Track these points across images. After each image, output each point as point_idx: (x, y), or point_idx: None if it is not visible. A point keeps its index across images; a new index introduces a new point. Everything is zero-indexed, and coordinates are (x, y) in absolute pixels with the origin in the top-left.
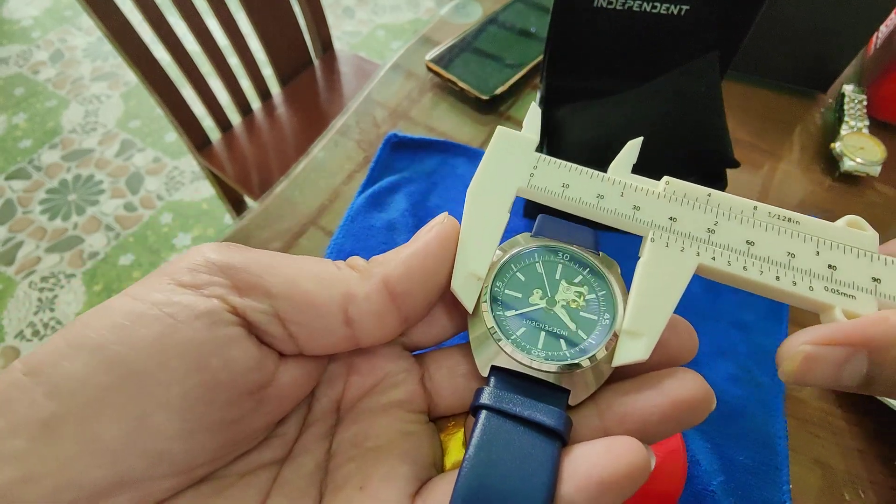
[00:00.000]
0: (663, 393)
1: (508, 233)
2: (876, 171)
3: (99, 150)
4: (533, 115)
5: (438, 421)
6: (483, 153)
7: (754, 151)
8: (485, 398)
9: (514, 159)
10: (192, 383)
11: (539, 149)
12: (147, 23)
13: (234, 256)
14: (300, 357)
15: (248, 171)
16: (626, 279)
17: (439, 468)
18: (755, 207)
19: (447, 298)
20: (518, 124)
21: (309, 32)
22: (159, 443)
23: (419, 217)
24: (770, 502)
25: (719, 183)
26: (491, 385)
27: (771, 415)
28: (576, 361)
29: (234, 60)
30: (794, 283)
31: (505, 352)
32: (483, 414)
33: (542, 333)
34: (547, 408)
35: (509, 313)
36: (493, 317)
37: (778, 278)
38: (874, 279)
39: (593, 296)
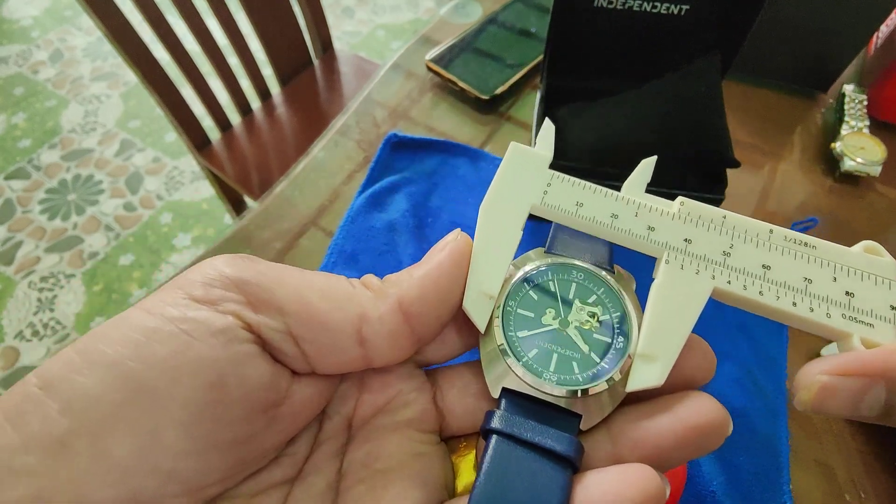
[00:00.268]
0: (677, 418)
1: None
2: (876, 171)
3: (99, 149)
4: (546, 132)
5: (450, 441)
6: (483, 153)
7: (754, 151)
8: (495, 422)
9: (527, 176)
10: (205, 401)
11: None
12: (147, 22)
13: (247, 271)
14: (312, 375)
15: (248, 171)
16: (643, 293)
17: (451, 491)
18: (771, 231)
19: (459, 315)
20: (518, 124)
21: (309, 32)
22: (171, 461)
23: (420, 217)
24: None
25: (719, 183)
26: (501, 407)
27: (773, 417)
28: (588, 387)
29: (233, 60)
30: (812, 310)
31: (516, 374)
32: (493, 439)
33: (555, 355)
34: (558, 434)
35: (521, 334)
36: (505, 337)
37: (794, 304)
38: (893, 307)
39: (607, 317)
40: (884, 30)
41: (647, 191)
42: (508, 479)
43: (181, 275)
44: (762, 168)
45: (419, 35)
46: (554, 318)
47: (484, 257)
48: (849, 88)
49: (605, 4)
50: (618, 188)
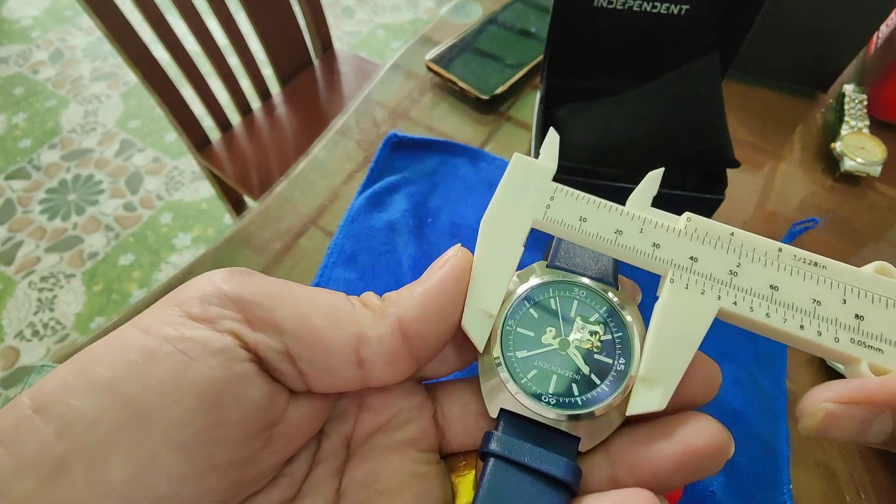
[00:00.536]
0: (676, 442)
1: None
2: (876, 171)
3: (99, 149)
4: (551, 142)
5: (449, 459)
6: (483, 153)
7: (755, 151)
8: (493, 445)
9: (529, 189)
10: (204, 423)
11: (538, 148)
12: (147, 22)
13: (245, 288)
14: (309, 394)
15: (248, 171)
16: (649, 306)
17: None
18: (780, 249)
19: (459, 331)
20: (518, 124)
21: (309, 32)
22: (169, 485)
23: (420, 217)
24: None
25: (720, 183)
26: (499, 429)
27: (773, 417)
28: (587, 411)
29: (233, 60)
30: (819, 333)
31: (514, 396)
32: (491, 462)
33: (554, 377)
34: (555, 458)
35: (520, 354)
36: (504, 359)
37: (802, 327)
38: None
39: (609, 337)
40: (884, 30)
41: None
42: (506, 502)
43: (178, 290)
44: (762, 168)
45: (419, 35)
46: (554, 338)
47: (484, 274)
48: (849, 88)
49: (605, 4)
50: (618, 188)
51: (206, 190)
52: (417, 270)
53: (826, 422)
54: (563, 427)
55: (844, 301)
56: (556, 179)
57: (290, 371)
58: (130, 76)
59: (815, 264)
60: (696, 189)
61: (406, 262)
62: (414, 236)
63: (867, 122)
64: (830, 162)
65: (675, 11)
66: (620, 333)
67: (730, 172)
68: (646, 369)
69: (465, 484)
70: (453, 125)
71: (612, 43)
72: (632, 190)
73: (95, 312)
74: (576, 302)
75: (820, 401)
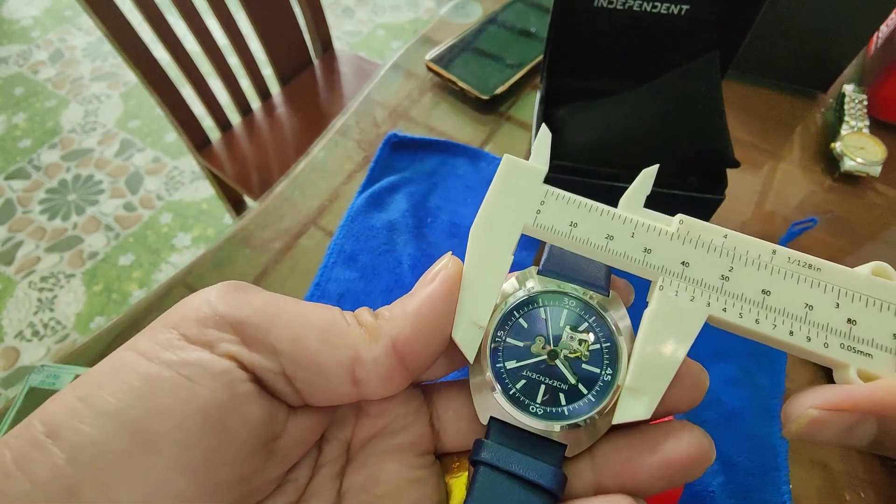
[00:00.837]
0: (657, 453)
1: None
2: (876, 171)
3: (99, 149)
4: (542, 142)
5: (444, 458)
6: (483, 153)
7: (754, 151)
8: (482, 454)
9: (520, 193)
10: (209, 445)
11: None
12: (147, 22)
13: (241, 308)
14: (308, 407)
15: (248, 171)
16: (643, 306)
17: None
18: (774, 251)
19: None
20: (518, 124)
21: (309, 32)
22: None
23: (419, 217)
24: (770, 503)
25: (720, 183)
26: (489, 437)
27: (770, 416)
28: (573, 421)
29: (233, 60)
30: (809, 339)
31: (502, 407)
32: (480, 469)
33: (542, 387)
34: (541, 465)
35: (510, 364)
36: (493, 370)
37: (792, 333)
38: (895, 336)
39: (597, 346)
40: (884, 30)
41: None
42: None
43: (173, 310)
44: (762, 167)
45: (419, 35)
46: (543, 348)
47: (474, 285)
48: (849, 88)
49: (605, 4)
50: (618, 188)
51: (206, 190)
52: (417, 270)
53: (810, 427)
54: (551, 436)
55: (837, 305)
56: (556, 180)
57: (288, 389)
58: (130, 76)
59: (810, 266)
60: (696, 189)
61: (406, 261)
62: (414, 236)
63: (867, 122)
64: (830, 162)
65: (675, 11)
66: (609, 343)
67: (730, 172)
68: (632, 380)
69: (459, 484)
70: (453, 125)
71: (612, 43)
72: None
73: (95, 312)
74: (565, 311)
75: (805, 407)
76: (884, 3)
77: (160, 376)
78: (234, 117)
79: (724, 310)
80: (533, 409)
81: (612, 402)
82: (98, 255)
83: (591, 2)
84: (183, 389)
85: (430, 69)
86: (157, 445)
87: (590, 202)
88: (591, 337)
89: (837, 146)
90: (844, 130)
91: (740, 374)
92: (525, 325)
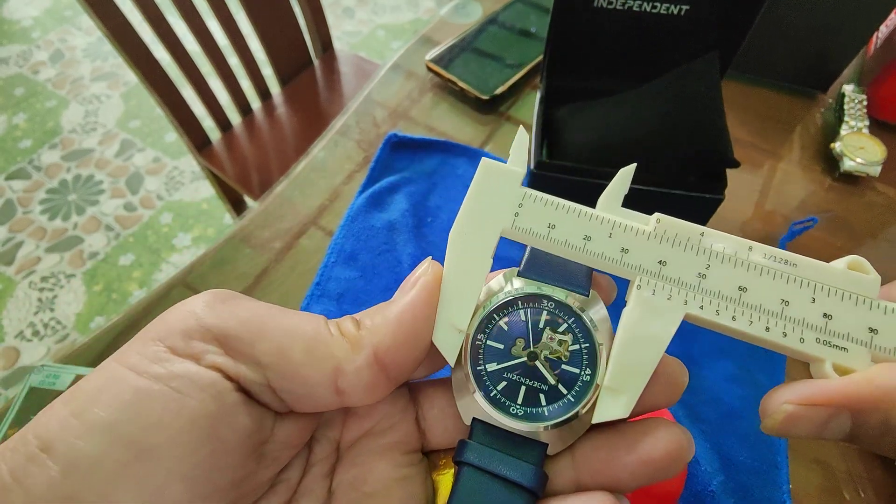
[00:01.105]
0: (635, 451)
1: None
2: (876, 171)
3: (99, 150)
4: (520, 143)
5: (431, 455)
6: (483, 153)
7: (754, 151)
8: (466, 455)
9: (498, 197)
10: (202, 454)
11: (539, 150)
12: (147, 22)
13: (226, 320)
14: (294, 413)
15: (248, 171)
16: (623, 306)
17: None
18: (750, 248)
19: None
20: (519, 124)
21: (309, 32)
22: None
23: (419, 217)
24: (770, 502)
25: (719, 183)
26: (472, 437)
27: None
28: (553, 422)
29: (234, 60)
30: (785, 335)
31: (483, 409)
32: (463, 470)
33: (523, 388)
34: (522, 465)
35: (490, 367)
36: (474, 373)
37: (768, 329)
38: (871, 329)
39: (577, 347)
40: (883, 30)
41: (648, 191)
42: None
43: (158, 321)
44: (762, 167)
45: (419, 35)
46: (523, 350)
47: (454, 288)
48: (848, 88)
49: (604, 4)
50: None
51: (206, 190)
52: None
53: (786, 422)
54: (531, 436)
55: (814, 300)
56: (556, 180)
57: (273, 399)
58: (130, 76)
59: (787, 262)
60: (695, 189)
61: (406, 260)
62: (413, 235)
63: (867, 122)
64: (830, 162)
65: (675, 11)
66: (588, 344)
67: (729, 172)
68: (610, 380)
69: (446, 481)
70: (453, 125)
71: (611, 43)
72: (631, 190)
73: (95, 312)
74: (545, 313)
75: (780, 402)
76: (884, 3)
77: (150, 389)
78: (235, 117)
79: (702, 307)
80: (514, 410)
81: (592, 402)
82: (98, 255)
83: (590, 2)
84: (173, 402)
85: (430, 69)
86: (154, 454)
87: (568, 203)
88: (571, 338)
89: (837, 146)
90: (844, 130)
91: (740, 372)
92: (505, 328)
